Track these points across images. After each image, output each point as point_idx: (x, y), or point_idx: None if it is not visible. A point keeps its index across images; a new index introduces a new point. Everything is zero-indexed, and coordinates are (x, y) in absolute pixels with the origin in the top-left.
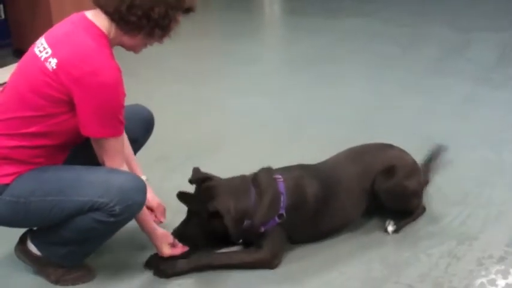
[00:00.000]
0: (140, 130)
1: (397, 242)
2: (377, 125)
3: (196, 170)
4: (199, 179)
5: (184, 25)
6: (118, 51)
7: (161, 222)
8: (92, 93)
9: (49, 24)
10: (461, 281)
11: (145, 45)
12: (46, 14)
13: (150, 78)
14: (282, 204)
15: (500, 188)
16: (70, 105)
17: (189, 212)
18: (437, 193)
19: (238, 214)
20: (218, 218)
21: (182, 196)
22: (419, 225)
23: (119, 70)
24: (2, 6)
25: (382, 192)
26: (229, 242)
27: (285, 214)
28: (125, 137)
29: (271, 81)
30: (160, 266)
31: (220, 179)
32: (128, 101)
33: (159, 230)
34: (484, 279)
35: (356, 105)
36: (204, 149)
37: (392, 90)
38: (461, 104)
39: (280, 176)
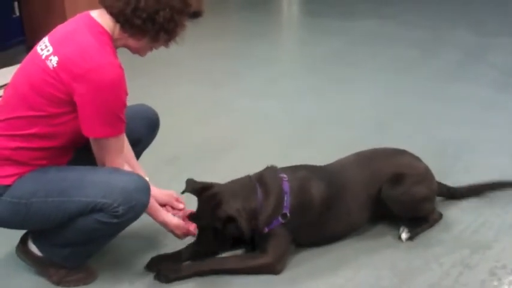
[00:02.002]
0: (144, 130)
1: (408, 248)
2: (393, 130)
3: (190, 181)
4: (197, 189)
5: (200, 26)
6: (126, 51)
7: (181, 210)
8: (92, 91)
9: (63, 22)
10: None
11: (151, 49)
12: (60, 12)
13: (164, 78)
14: (285, 204)
15: None
16: (71, 106)
17: (199, 228)
18: (451, 200)
19: (248, 214)
20: (231, 223)
21: (192, 218)
22: (432, 232)
23: (120, 68)
24: (16, 3)
25: (389, 201)
26: (240, 243)
27: (288, 214)
28: (126, 141)
29: (285, 83)
30: (161, 270)
31: (221, 184)
32: (140, 100)
33: (170, 223)
34: None
35: (371, 110)
36: (214, 150)
37: (409, 94)
38: (480, 110)
39: (285, 176)
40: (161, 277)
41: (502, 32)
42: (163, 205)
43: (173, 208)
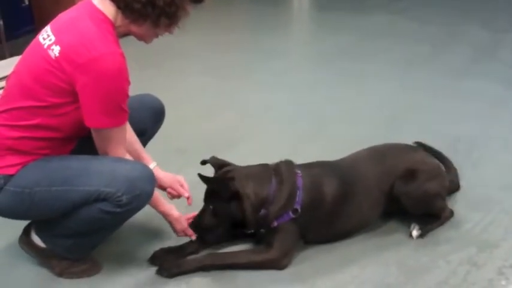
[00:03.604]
0: (149, 121)
1: (416, 246)
2: (403, 126)
3: (214, 157)
4: (218, 164)
5: (209, 18)
6: (138, 43)
7: (184, 196)
8: (95, 81)
9: None
10: None
11: (155, 35)
12: (69, 1)
13: (172, 70)
14: (297, 199)
15: None
16: (73, 96)
17: (206, 199)
18: (459, 197)
19: (257, 200)
20: (238, 201)
21: (203, 176)
22: (440, 230)
23: (123, 57)
24: None
25: (403, 197)
26: (243, 234)
27: (299, 210)
28: (128, 126)
29: (295, 77)
30: (164, 264)
31: (240, 166)
32: (148, 92)
33: (172, 215)
34: None
35: (381, 105)
36: (223, 143)
37: (419, 90)
38: (490, 106)
39: (299, 171)
40: (163, 272)
41: None
42: (165, 188)
43: (174, 192)
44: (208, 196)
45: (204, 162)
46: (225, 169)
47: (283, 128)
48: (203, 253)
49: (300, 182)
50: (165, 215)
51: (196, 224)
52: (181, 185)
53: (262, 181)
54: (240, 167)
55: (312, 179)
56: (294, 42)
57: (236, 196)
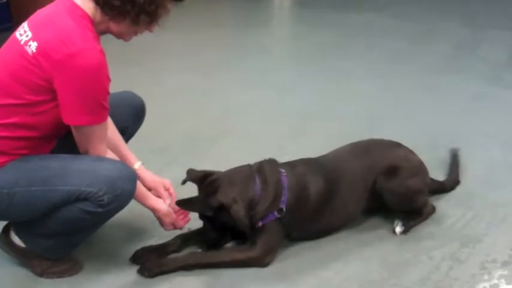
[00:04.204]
0: (130, 118)
1: (398, 242)
2: (385, 122)
3: (190, 171)
4: (198, 177)
5: (192, 15)
6: (119, 41)
7: (164, 200)
8: (73, 77)
9: None
10: (462, 285)
11: (134, 33)
12: None
13: (155, 67)
14: (283, 199)
15: (507, 189)
16: (52, 93)
17: (200, 217)
18: (442, 193)
19: (245, 203)
20: (225, 211)
21: (181, 203)
22: (422, 226)
23: (102, 53)
24: None
25: (385, 193)
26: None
27: (284, 209)
28: (111, 123)
29: (278, 74)
30: (145, 264)
31: (221, 172)
32: (131, 89)
33: (161, 210)
34: (486, 284)
35: (364, 102)
36: (205, 141)
37: (402, 87)
38: (471, 102)
39: (283, 171)
40: (144, 271)
41: (493, 24)
42: (149, 189)
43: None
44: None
45: (184, 182)
46: (206, 182)
47: (266, 126)
48: (185, 251)
49: (285, 181)
50: (153, 210)
51: (206, 241)
52: (165, 189)
53: (247, 184)
54: (222, 173)
55: (297, 178)
56: (275, 40)
57: (223, 207)
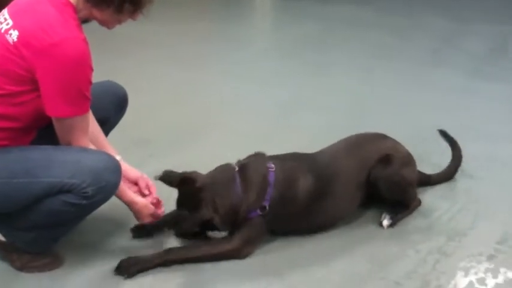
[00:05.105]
0: (112, 108)
1: (385, 235)
2: (368, 115)
3: (167, 173)
4: (176, 182)
5: (174, 6)
6: (104, 29)
7: (146, 195)
8: (55, 67)
9: None
10: (449, 279)
11: (118, 22)
12: None
13: (137, 58)
14: (267, 196)
15: (492, 182)
16: (33, 84)
17: (179, 207)
18: (427, 186)
19: (227, 209)
20: (209, 220)
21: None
22: (408, 219)
23: (85, 42)
24: None
25: (380, 181)
26: None
27: (267, 207)
28: (91, 115)
29: (260, 66)
30: (122, 263)
31: (201, 175)
32: (114, 80)
33: (139, 202)
34: (473, 278)
35: (348, 94)
36: (188, 133)
37: (385, 79)
38: (454, 95)
39: (272, 166)
40: (122, 271)
41: (475, 18)
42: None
43: (136, 189)
44: (181, 210)
45: (157, 178)
46: (187, 189)
47: (250, 119)
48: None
49: (271, 177)
50: (131, 204)
51: (178, 231)
52: (146, 185)
53: (228, 189)
54: (203, 179)
55: (285, 174)
56: (258, 32)
57: (209, 220)
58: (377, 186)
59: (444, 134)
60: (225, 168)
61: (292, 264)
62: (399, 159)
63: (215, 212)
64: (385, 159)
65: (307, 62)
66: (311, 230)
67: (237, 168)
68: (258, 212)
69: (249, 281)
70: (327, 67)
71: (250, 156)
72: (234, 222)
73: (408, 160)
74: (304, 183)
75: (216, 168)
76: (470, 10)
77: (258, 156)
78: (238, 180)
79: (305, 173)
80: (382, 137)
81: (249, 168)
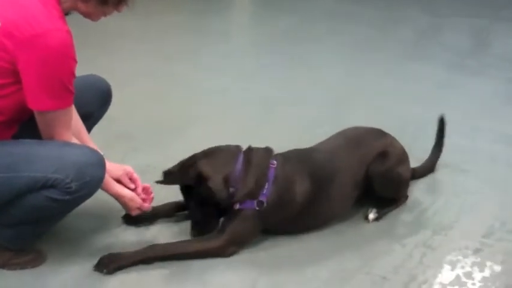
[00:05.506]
0: (96, 103)
1: (371, 230)
2: (350, 109)
3: (166, 172)
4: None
5: (155, 1)
6: (86, 22)
7: (130, 188)
8: (38, 59)
9: None
10: (436, 273)
11: (103, 14)
12: None
13: (118, 51)
14: (265, 192)
15: (475, 176)
16: (15, 76)
17: (184, 197)
18: (411, 180)
19: (221, 177)
20: (204, 183)
21: (165, 174)
22: (394, 213)
23: (69, 33)
24: None
25: (376, 177)
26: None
27: (265, 203)
28: (74, 110)
29: (241, 59)
30: (102, 259)
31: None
32: (94, 73)
33: (126, 195)
34: (459, 272)
35: (328, 88)
36: (170, 127)
37: (366, 72)
38: (435, 89)
39: (274, 163)
40: (101, 268)
41: (454, 12)
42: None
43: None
44: (183, 192)
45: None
46: (184, 159)
47: (232, 112)
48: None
49: (271, 174)
50: (118, 196)
51: (193, 225)
52: (130, 177)
53: (226, 159)
54: (204, 150)
55: (285, 174)
56: (237, 25)
57: (201, 178)
58: (372, 181)
59: (442, 123)
60: (232, 146)
61: (280, 260)
62: (396, 156)
63: (213, 173)
64: (382, 156)
65: (288, 55)
66: (304, 230)
67: (243, 150)
68: (255, 205)
69: (236, 278)
70: (306, 60)
71: (259, 148)
72: (228, 198)
73: (404, 157)
74: (302, 187)
75: (223, 145)
76: (451, 4)
77: (266, 150)
78: (241, 160)
79: (304, 177)
80: (381, 133)
81: (254, 156)
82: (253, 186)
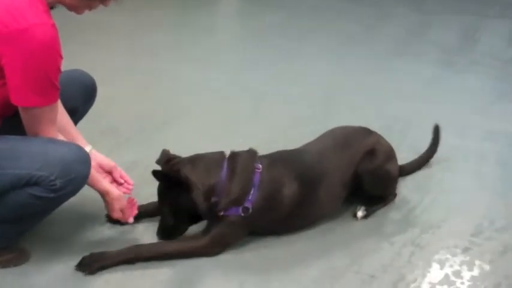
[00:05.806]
0: (80, 98)
1: (360, 228)
2: (339, 105)
3: (164, 151)
4: (164, 160)
5: None
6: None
7: (120, 184)
8: (23, 53)
9: None
10: (424, 272)
11: (89, 7)
12: None
13: (101, 45)
14: (250, 198)
15: (463, 174)
16: None
17: (160, 200)
18: (399, 178)
19: (205, 187)
20: (187, 192)
21: (156, 173)
22: (383, 211)
23: (54, 28)
24: None
25: (365, 176)
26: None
27: (251, 209)
28: (60, 104)
29: (226, 54)
30: (84, 259)
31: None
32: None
33: (113, 193)
34: (448, 271)
35: (316, 84)
36: (156, 122)
37: (354, 69)
38: (423, 86)
39: (259, 167)
40: (83, 268)
41: (443, 9)
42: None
43: (114, 181)
44: (161, 196)
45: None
46: (171, 163)
47: (218, 107)
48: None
49: (257, 178)
50: (105, 193)
51: (161, 229)
52: (120, 174)
53: (211, 168)
54: (189, 157)
55: (270, 178)
56: (223, 19)
57: (185, 186)
58: (361, 179)
59: (437, 131)
60: (216, 153)
61: (268, 260)
62: (384, 154)
63: (195, 186)
64: (370, 154)
65: (274, 50)
66: (293, 231)
67: (227, 156)
68: (240, 211)
69: (224, 278)
70: (293, 56)
71: (242, 151)
72: (211, 208)
73: (392, 154)
74: (290, 190)
75: (208, 152)
76: (439, 1)
77: (249, 152)
78: (225, 166)
79: (291, 179)
80: (368, 132)
81: (238, 161)
82: (238, 193)
